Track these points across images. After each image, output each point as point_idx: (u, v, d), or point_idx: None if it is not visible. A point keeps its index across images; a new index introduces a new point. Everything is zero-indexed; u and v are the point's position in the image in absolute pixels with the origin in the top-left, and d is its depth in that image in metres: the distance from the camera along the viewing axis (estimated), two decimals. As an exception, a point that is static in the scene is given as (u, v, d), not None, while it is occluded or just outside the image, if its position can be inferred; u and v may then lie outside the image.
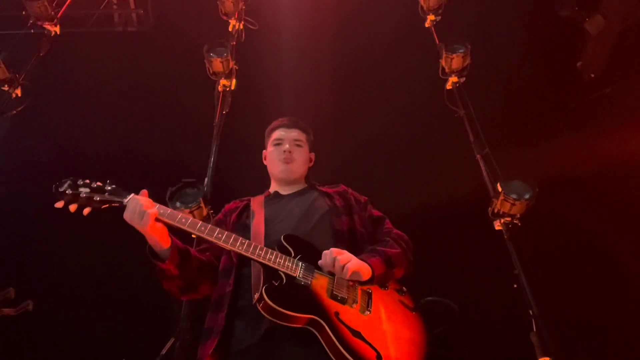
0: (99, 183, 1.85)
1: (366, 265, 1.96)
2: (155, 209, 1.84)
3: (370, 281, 1.97)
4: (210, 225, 1.91)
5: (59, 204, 1.80)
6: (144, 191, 1.89)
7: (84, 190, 1.82)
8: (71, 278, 3.83)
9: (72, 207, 1.80)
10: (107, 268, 3.92)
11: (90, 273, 3.89)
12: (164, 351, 2.30)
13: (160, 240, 1.86)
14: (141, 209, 1.80)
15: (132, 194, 1.86)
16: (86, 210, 1.81)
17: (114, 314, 3.75)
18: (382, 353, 1.78)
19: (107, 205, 1.84)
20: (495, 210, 2.83)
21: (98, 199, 1.82)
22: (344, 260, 1.91)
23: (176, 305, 2.43)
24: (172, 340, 2.36)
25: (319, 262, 1.96)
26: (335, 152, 3.91)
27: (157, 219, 1.83)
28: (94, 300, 3.80)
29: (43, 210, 3.87)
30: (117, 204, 1.85)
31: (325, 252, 1.96)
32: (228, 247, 1.89)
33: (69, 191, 1.80)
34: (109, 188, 1.86)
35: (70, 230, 3.91)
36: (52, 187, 1.80)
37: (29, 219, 4.08)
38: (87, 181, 1.84)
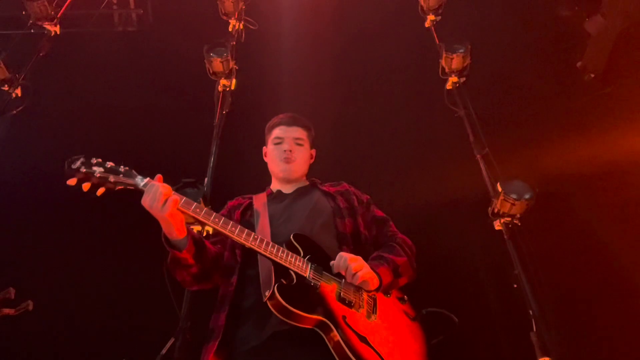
0: (111, 163, 1.78)
1: (375, 275, 1.95)
2: (176, 196, 1.79)
3: (376, 290, 1.98)
4: (223, 217, 1.88)
5: (72, 181, 1.71)
6: (159, 176, 1.84)
7: (97, 170, 1.73)
8: (71, 278, 3.82)
9: (86, 186, 1.71)
10: (107, 268, 3.92)
11: (91, 273, 3.88)
12: (164, 351, 2.29)
13: (177, 229, 1.82)
14: (162, 196, 1.74)
15: (148, 179, 1.81)
16: (100, 191, 1.74)
17: (114, 314, 3.75)
18: None
19: (122, 187, 1.77)
20: (495, 210, 2.83)
21: (113, 179, 1.75)
22: (356, 268, 1.91)
23: (176, 305, 2.42)
24: (172, 340, 2.35)
25: (332, 262, 1.95)
26: (335, 152, 3.91)
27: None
28: (94, 300, 3.79)
29: (43, 210, 3.88)
30: (132, 187, 1.78)
31: (340, 254, 1.95)
32: (241, 240, 1.86)
33: (82, 169, 1.71)
34: (123, 170, 1.79)
35: (70, 230, 3.92)
36: (63, 165, 1.71)
37: (29, 219, 4.07)
38: (100, 160, 1.76)
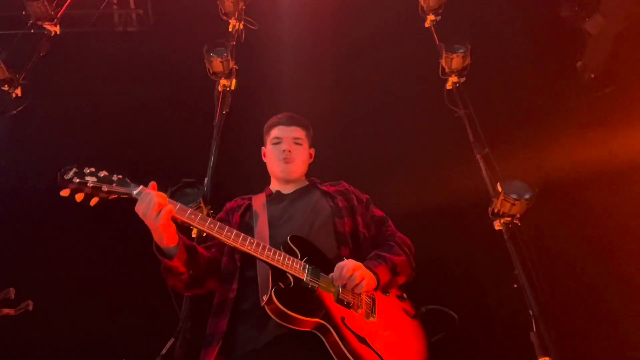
0: (105, 172, 1.77)
1: (373, 277, 1.95)
2: (171, 205, 1.77)
3: (374, 289, 1.97)
4: (219, 223, 1.87)
5: (65, 192, 1.70)
6: (153, 184, 1.83)
7: (90, 180, 1.72)
8: (71, 278, 3.82)
9: (79, 197, 1.71)
10: (107, 267, 3.92)
11: (91, 273, 3.88)
12: (164, 351, 2.29)
13: (167, 237, 1.80)
14: (156, 205, 1.73)
15: (142, 186, 1.80)
16: (93, 201, 1.73)
17: (114, 314, 3.75)
18: None
19: (116, 197, 1.76)
20: (495, 210, 2.84)
21: (106, 189, 1.73)
22: (359, 277, 1.90)
23: (176, 305, 2.42)
24: (172, 340, 2.35)
25: (331, 274, 1.93)
26: (335, 152, 3.91)
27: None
28: (94, 300, 3.79)
29: (43, 210, 3.88)
30: (126, 196, 1.77)
31: (338, 265, 1.93)
32: (237, 245, 1.85)
33: (75, 179, 1.70)
34: (116, 178, 1.78)
35: (70, 230, 3.92)
36: (56, 175, 1.70)
37: (29, 219, 4.07)
38: (93, 169, 1.75)
